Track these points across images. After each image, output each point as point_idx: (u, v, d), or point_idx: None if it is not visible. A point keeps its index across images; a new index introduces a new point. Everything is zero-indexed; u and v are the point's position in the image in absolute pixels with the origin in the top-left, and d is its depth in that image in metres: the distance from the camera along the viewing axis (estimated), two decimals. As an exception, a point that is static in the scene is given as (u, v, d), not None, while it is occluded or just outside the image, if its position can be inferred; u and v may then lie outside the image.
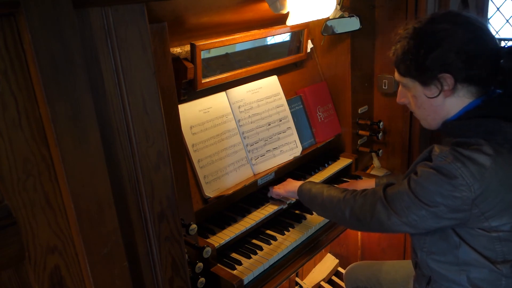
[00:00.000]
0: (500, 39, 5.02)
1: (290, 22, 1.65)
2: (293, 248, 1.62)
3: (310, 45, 2.03)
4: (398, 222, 1.21)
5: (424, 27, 1.21)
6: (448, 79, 1.19)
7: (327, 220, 1.78)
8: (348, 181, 2.02)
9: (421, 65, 1.20)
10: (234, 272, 1.47)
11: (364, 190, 1.36)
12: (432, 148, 1.18)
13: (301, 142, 1.94)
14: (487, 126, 1.13)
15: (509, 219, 1.13)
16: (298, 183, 1.64)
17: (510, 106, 1.16)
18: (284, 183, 1.75)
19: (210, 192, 1.58)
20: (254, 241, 1.65)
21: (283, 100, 1.90)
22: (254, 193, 1.81)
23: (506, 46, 1.19)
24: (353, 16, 1.88)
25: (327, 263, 2.62)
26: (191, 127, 1.57)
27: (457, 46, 1.16)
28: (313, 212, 1.81)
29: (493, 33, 5.13)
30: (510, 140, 1.11)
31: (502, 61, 1.17)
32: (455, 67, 1.17)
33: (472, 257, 1.19)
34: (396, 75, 1.31)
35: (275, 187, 1.75)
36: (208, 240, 1.53)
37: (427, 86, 1.23)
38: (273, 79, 1.89)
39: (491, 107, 1.17)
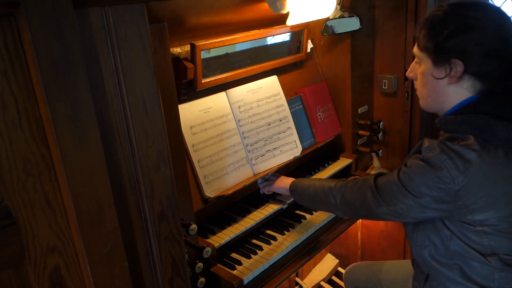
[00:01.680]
0: (500, 39, 5.01)
1: (290, 22, 1.65)
2: (293, 248, 1.63)
3: (310, 45, 2.03)
4: (385, 210, 1.25)
5: (458, 9, 1.19)
6: (458, 66, 1.18)
7: (327, 220, 1.78)
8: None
9: (439, 44, 1.20)
10: (234, 272, 1.47)
11: (356, 178, 1.39)
12: (423, 141, 1.21)
13: (301, 142, 1.94)
14: (476, 122, 1.14)
15: (493, 214, 1.14)
16: (290, 180, 1.67)
17: (504, 106, 1.17)
18: (274, 178, 1.76)
19: (210, 192, 1.58)
20: (254, 241, 1.65)
21: (283, 100, 1.90)
22: (254, 193, 1.81)
23: None
24: (353, 16, 1.88)
25: (327, 263, 2.62)
26: (191, 127, 1.57)
27: (482, 40, 1.15)
28: (313, 212, 1.81)
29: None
30: (498, 137, 1.12)
31: None
32: (470, 58, 1.17)
33: (463, 250, 1.20)
34: (415, 48, 1.31)
35: (266, 187, 1.77)
36: (208, 240, 1.53)
37: (437, 67, 1.23)
38: (273, 79, 1.89)
39: (485, 104, 1.18)
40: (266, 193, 1.78)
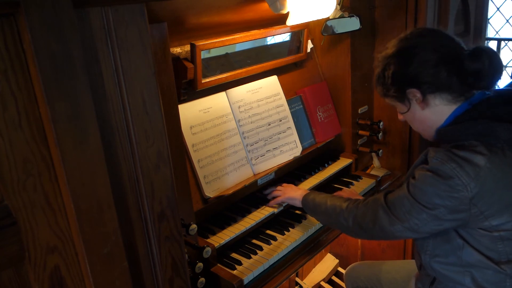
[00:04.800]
0: (500, 39, 5.02)
1: (290, 22, 1.65)
2: (293, 248, 1.62)
3: (310, 45, 2.03)
4: (400, 228, 1.22)
5: (388, 51, 1.29)
6: (416, 93, 1.24)
7: (327, 220, 1.77)
8: (344, 187, 2.02)
9: (389, 85, 1.28)
10: (234, 272, 1.47)
11: (366, 198, 1.37)
12: (427, 151, 1.20)
13: (301, 142, 1.94)
14: (477, 128, 1.15)
15: (509, 217, 1.14)
16: (300, 191, 1.65)
17: (498, 107, 1.18)
18: (284, 188, 1.73)
19: (210, 192, 1.58)
20: (254, 241, 1.64)
21: (283, 100, 1.90)
22: (254, 193, 1.81)
23: (467, 49, 1.23)
24: (353, 16, 1.88)
25: (327, 263, 2.62)
26: (191, 127, 1.57)
27: (422, 59, 1.21)
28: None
29: (493, 33, 5.13)
30: (502, 139, 1.12)
31: (465, 64, 1.20)
32: (420, 81, 1.22)
33: (476, 259, 1.19)
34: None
35: (275, 192, 1.74)
36: (208, 240, 1.53)
37: (401, 102, 1.31)
38: (273, 79, 1.89)
39: (480, 109, 1.19)
40: (272, 202, 1.73)
